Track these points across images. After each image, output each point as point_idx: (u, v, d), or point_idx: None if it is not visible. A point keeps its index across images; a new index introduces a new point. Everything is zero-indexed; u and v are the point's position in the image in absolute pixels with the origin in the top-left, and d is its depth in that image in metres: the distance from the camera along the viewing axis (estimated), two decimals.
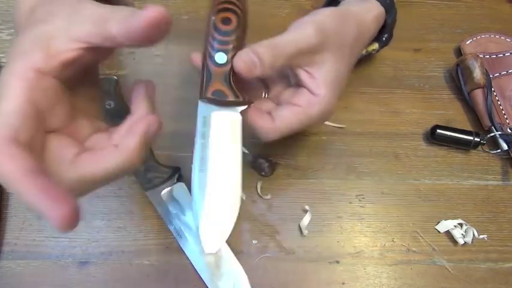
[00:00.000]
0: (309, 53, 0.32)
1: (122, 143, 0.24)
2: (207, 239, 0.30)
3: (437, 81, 0.48)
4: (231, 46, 0.30)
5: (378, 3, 0.39)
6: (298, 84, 0.34)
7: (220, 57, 0.30)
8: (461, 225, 0.41)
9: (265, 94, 0.37)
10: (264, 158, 0.42)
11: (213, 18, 0.30)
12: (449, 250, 0.41)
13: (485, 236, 0.41)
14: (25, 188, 0.20)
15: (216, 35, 0.30)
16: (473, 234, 0.41)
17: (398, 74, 0.48)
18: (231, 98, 0.30)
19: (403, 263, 0.40)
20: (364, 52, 0.42)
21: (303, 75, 0.33)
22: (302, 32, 0.32)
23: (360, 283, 0.39)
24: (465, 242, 0.41)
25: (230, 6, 0.30)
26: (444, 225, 0.41)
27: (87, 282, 0.38)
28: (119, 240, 0.39)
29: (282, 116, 0.33)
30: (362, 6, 0.38)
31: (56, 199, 0.20)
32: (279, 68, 0.31)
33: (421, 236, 0.41)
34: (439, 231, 0.41)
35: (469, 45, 0.49)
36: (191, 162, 0.31)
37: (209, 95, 0.30)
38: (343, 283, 0.39)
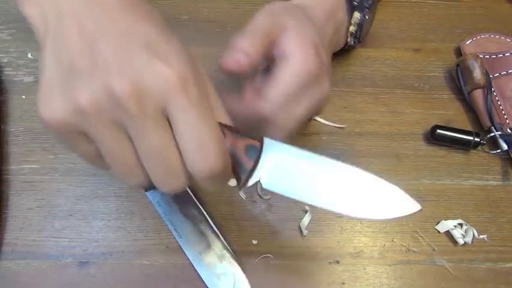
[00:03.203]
0: (273, 29, 0.32)
1: None
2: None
3: (437, 81, 0.48)
4: None
5: None
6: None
7: None
8: (461, 225, 0.41)
9: None
10: None
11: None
12: (449, 250, 0.41)
13: (485, 236, 0.41)
14: None
15: None
16: (473, 234, 0.41)
17: (398, 74, 0.48)
18: None
19: (403, 263, 0.40)
20: (352, 29, 0.42)
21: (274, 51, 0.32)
22: (256, 20, 0.32)
23: (360, 283, 0.39)
24: (465, 242, 0.41)
25: None
26: (444, 225, 0.41)
27: (87, 282, 0.38)
28: (119, 240, 0.39)
29: (273, 88, 0.31)
30: None
31: None
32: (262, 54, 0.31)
33: (421, 236, 0.41)
34: (439, 231, 0.41)
35: (469, 45, 0.49)
36: None
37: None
38: (343, 283, 0.39)
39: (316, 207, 0.26)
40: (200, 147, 0.22)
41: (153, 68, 0.21)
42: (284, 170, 0.26)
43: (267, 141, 0.26)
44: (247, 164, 0.25)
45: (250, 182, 0.26)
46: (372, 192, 0.27)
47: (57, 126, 0.22)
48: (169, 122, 0.22)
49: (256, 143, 0.26)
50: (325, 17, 0.38)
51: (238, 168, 0.25)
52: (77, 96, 0.21)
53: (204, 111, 0.22)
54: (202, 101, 0.22)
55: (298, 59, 0.31)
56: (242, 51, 0.30)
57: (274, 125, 0.31)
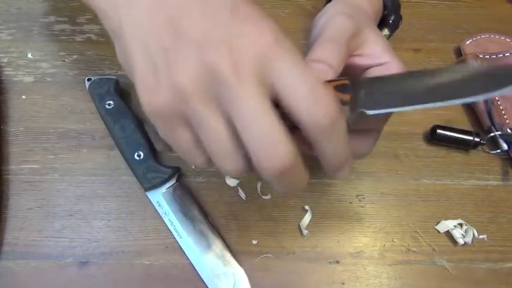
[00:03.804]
0: (354, 39, 0.29)
1: None
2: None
3: None
4: None
5: None
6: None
7: None
8: (461, 225, 0.41)
9: None
10: None
11: None
12: (449, 250, 0.41)
13: (485, 236, 0.41)
14: None
15: None
16: (473, 234, 0.41)
17: None
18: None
19: (403, 263, 0.40)
20: None
21: (357, 60, 0.30)
22: (337, 24, 0.29)
23: (360, 283, 0.39)
24: (465, 242, 0.41)
25: None
26: (444, 225, 0.41)
27: (87, 282, 0.38)
28: (119, 240, 0.40)
29: None
30: None
31: None
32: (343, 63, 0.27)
33: (421, 236, 0.41)
34: (439, 231, 0.41)
35: (469, 45, 0.49)
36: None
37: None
38: (343, 283, 0.39)
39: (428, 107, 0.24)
40: (314, 96, 0.21)
41: (244, 32, 0.21)
42: (382, 88, 0.26)
43: (354, 78, 0.26)
44: (345, 96, 0.25)
45: (355, 112, 0.25)
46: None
47: (162, 114, 0.22)
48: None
49: (345, 81, 0.26)
50: (374, 18, 0.37)
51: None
52: (174, 78, 0.21)
53: (302, 61, 0.21)
54: (297, 52, 0.21)
55: (395, 61, 0.30)
56: (326, 63, 0.26)
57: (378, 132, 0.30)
